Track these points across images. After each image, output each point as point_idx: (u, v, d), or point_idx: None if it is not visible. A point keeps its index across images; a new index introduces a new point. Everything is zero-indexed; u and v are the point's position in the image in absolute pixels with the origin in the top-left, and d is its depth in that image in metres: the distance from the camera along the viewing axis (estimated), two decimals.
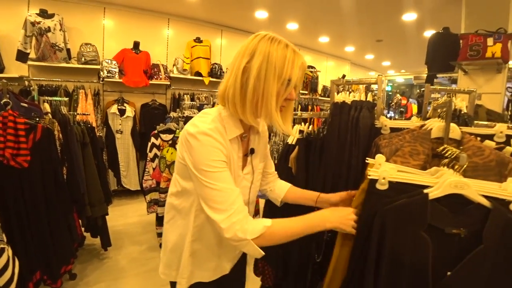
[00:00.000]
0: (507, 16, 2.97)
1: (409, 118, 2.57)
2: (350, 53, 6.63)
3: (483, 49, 2.85)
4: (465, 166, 0.87)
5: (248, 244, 0.73)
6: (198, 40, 4.33)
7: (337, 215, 0.81)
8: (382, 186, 0.83)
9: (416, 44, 4.89)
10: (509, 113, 3.13)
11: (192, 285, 0.88)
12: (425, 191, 0.77)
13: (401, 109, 7.25)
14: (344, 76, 6.84)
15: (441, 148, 0.97)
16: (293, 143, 1.31)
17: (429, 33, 3.90)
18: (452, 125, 1.04)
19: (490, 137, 1.10)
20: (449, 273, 0.73)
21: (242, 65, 0.75)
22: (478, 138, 1.04)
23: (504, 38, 2.74)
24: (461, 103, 1.53)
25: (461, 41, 3.00)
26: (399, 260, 0.76)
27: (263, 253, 0.75)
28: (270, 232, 0.75)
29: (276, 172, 1.08)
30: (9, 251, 0.86)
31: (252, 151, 0.89)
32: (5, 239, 0.85)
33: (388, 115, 6.81)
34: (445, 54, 3.37)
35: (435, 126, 1.05)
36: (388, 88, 9.84)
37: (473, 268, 0.71)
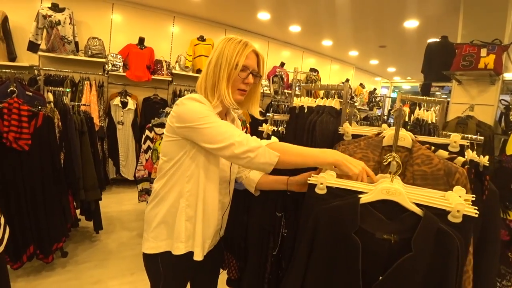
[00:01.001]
0: (504, 27, 2.96)
1: None
2: (354, 57, 6.66)
3: (476, 60, 2.81)
4: (398, 173, 0.95)
5: (266, 151, 0.84)
6: (201, 38, 4.46)
7: (349, 157, 0.87)
8: (320, 190, 0.87)
9: (420, 51, 4.89)
10: (503, 126, 3.13)
11: (182, 255, 0.96)
12: (360, 196, 0.81)
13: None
14: (347, 80, 6.87)
15: (386, 155, 1.05)
16: None
17: (432, 41, 3.93)
18: (405, 133, 1.09)
19: (446, 146, 1.12)
20: (380, 278, 0.74)
21: (208, 61, 0.98)
22: (433, 148, 1.08)
23: (498, 49, 2.69)
24: (426, 113, 1.61)
25: (456, 51, 3.02)
26: (330, 259, 0.79)
27: (276, 161, 0.84)
28: (283, 145, 0.88)
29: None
30: (1, 219, 1.01)
31: None
32: None
33: (389, 121, 6.83)
34: (441, 63, 3.38)
35: (387, 134, 1.13)
36: (394, 95, 9.80)
37: (403, 274, 0.71)
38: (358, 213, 0.77)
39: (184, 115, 0.88)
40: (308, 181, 0.86)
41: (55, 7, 3.48)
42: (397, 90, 9.94)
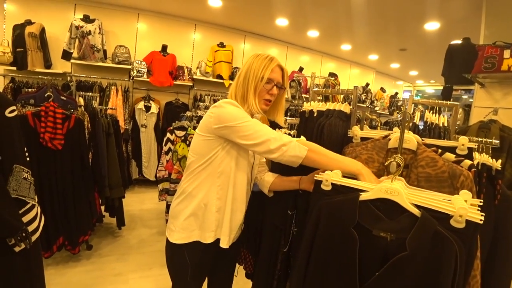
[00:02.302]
0: None
1: None
2: (374, 61, 6.57)
3: (499, 62, 2.71)
4: (398, 173, 0.98)
5: (296, 145, 0.95)
6: (221, 45, 4.61)
7: (371, 174, 0.94)
8: (325, 187, 0.93)
9: (442, 54, 4.77)
10: None
11: (210, 243, 1.08)
12: (360, 193, 0.85)
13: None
14: (367, 84, 6.78)
15: (390, 157, 1.08)
16: None
17: (454, 43, 3.82)
18: (410, 136, 1.12)
19: (453, 149, 1.11)
20: (377, 273, 0.76)
21: (238, 73, 1.13)
22: (439, 150, 1.10)
23: None
24: (436, 116, 1.60)
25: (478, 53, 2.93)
26: (329, 250, 0.83)
27: (305, 154, 0.95)
28: (312, 144, 0.98)
29: (266, 166, 1.29)
30: (38, 208, 1.14)
31: None
32: (36, 199, 1.12)
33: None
34: (463, 65, 3.28)
35: (393, 137, 1.16)
36: (417, 99, 9.47)
37: (396, 273, 0.73)
38: (357, 209, 0.81)
39: (223, 116, 0.99)
40: (315, 178, 0.92)
41: (86, 19, 3.76)
42: (420, 94, 9.63)
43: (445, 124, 1.61)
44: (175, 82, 4.24)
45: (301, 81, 3.92)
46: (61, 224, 2.00)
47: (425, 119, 1.57)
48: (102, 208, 2.60)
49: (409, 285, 0.72)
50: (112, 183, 2.41)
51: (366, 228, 0.80)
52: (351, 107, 1.43)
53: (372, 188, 0.87)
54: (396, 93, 7.45)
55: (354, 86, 1.45)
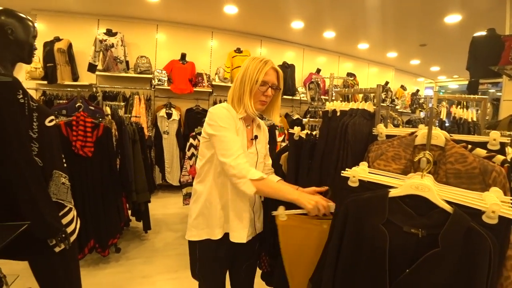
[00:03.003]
0: None
1: None
2: (393, 59, 6.43)
3: None
4: (428, 169, 0.96)
5: (247, 183, 1.02)
6: (238, 50, 4.68)
7: (306, 196, 1.04)
8: (353, 183, 0.93)
9: (465, 47, 4.59)
10: None
11: (221, 239, 1.14)
12: (389, 190, 0.84)
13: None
14: (387, 83, 6.63)
15: (419, 154, 1.06)
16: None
17: (478, 35, 3.67)
18: (437, 132, 1.10)
19: (484, 144, 1.08)
20: (407, 270, 0.75)
21: (236, 76, 1.18)
22: (469, 146, 1.07)
23: None
24: (464, 111, 1.55)
25: (505, 44, 2.80)
26: (358, 248, 0.82)
27: (254, 190, 1.03)
28: (264, 182, 1.05)
29: (272, 168, 1.33)
30: (74, 212, 1.20)
31: (256, 137, 1.22)
32: (73, 203, 1.19)
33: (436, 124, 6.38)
34: (489, 58, 3.15)
35: (420, 133, 1.14)
36: (443, 94, 9.13)
37: (428, 269, 0.72)
38: (386, 205, 0.81)
39: (211, 120, 1.08)
40: (342, 174, 0.93)
41: (109, 32, 3.94)
42: (443, 90, 9.29)
43: (474, 119, 1.55)
44: (195, 89, 4.34)
45: (319, 82, 3.90)
46: (91, 227, 2.10)
47: (453, 115, 1.52)
48: (129, 212, 2.69)
49: (441, 282, 0.71)
50: (138, 188, 2.50)
51: (396, 224, 0.79)
52: (374, 106, 1.42)
53: (401, 184, 0.86)
54: (418, 91, 7.23)
55: (377, 85, 1.43)
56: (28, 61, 1.12)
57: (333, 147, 1.18)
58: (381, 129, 1.33)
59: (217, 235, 1.14)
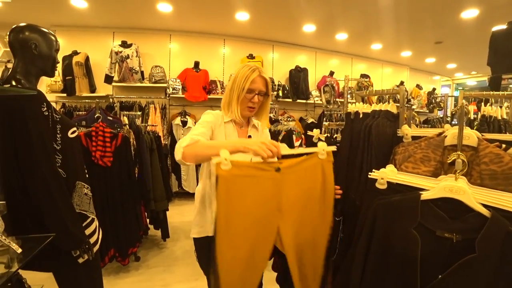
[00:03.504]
0: None
1: None
2: (407, 58, 6.28)
3: None
4: (463, 171, 0.91)
5: (178, 151, 0.98)
6: (250, 56, 4.69)
7: (250, 140, 1.05)
8: (381, 185, 0.90)
9: (484, 42, 4.41)
10: None
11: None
12: (421, 192, 0.80)
13: (474, 116, 6.52)
14: (402, 83, 6.49)
15: (452, 154, 1.01)
16: None
17: (496, 29, 3.54)
18: (469, 131, 1.05)
19: None
20: (440, 276, 0.72)
21: (228, 82, 1.26)
22: (503, 145, 0.99)
23: None
24: (494, 109, 1.48)
25: None
26: (388, 252, 0.79)
27: (181, 155, 0.97)
28: (195, 143, 1.00)
29: None
30: (96, 222, 1.21)
31: (250, 137, 1.25)
32: (95, 213, 1.20)
33: (454, 123, 6.19)
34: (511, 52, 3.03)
35: (450, 133, 1.08)
36: (457, 94, 8.88)
37: (463, 275, 0.69)
38: (418, 208, 0.77)
39: None
40: (369, 176, 0.90)
41: (124, 44, 4.04)
42: (460, 88, 9.02)
43: (504, 117, 1.47)
44: (209, 96, 4.37)
45: (334, 85, 3.84)
46: (111, 236, 2.11)
47: (482, 112, 1.45)
48: (147, 220, 2.71)
49: None
50: (156, 197, 2.51)
51: (429, 229, 0.76)
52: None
53: (433, 186, 0.82)
54: (434, 89, 7.04)
55: (401, 85, 1.39)
56: (51, 75, 1.14)
57: (357, 150, 1.15)
58: (406, 130, 1.29)
59: (210, 232, 1.14)
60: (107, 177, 2.07)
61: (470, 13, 3.80)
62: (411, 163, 1.09)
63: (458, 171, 0.88)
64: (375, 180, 0.93)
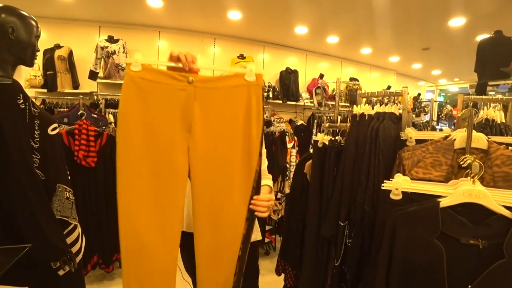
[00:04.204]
0: None
1: None
2: (395, 63, 6.41)
3: None
4: (480, 174, 0.87)
5: None
6: (241, 56, 4.62)
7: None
8: (395, 196, 0.85)
9: (468, 50, 4.55)
10: None
11: None
12: (439, 199, 0.77)
13: (455, 120, 6.71)
14: (389, 87, 6.59)
15: (462, 158, 0.97)
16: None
17: (481, 37, 3.66)
18: (478, 134, 1.02)
19: None
20: (470, 286, 0.69)
21: None
22: (510, 148, 1.00)
23: None
24: (495, 113, 1.47)
25: None
26: (411, 266, 0.75)
27: None
28: None
29: (265, 173, 1.09)
30: (79, 229, 1.09)
31: None
32: (77, 219, 1.08)
33: (438, 127, 6.34)
34: (497, 59, 3.14)
35: (459, 136, 1.05)
36: (441, 99, 9.16)
37: (495, 282, 0.67)
38: (439, 217, 0.74)
39: None
40: (382, 187, 0.85)
41: (110, 39, 3.86)
42: (443, 94, 9.32)
43: (503, 120, 1.47)
44: None
45: (325, 87, 3.83)
46: (95, 242, 1.97)
47: (485, 116, 1.45)
48: None
49: None
50: None
51: (452, 237, 0.73)
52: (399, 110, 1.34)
53: (450, 192, 0.79)
54: (419, 94, 7.20)
55: (403, 87, 1.36)
56: (30, 64, 1.02)
57: (364, 153, 1.09)
58: (410, 133, 1.25)
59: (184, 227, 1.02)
60: (90, 179, 1.94)
61: (457, 22, 3.90)
62: (422, 168, 1.05)
63: (473, 174, 0.86)
64: (388, 191, 0.88)
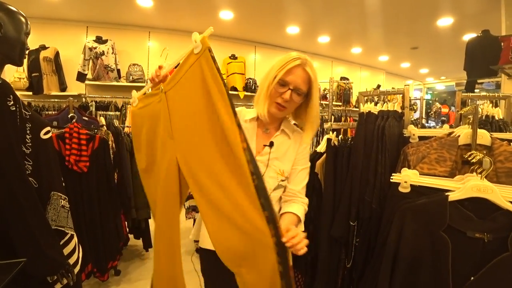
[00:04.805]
0: None
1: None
2: (384, 62, 6.49)
3: None
4: (489, 170, 0.87)
5: None
6: (233, 57, 4.57)
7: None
8: (404, 189, 0.88)
9: (455, 49, 4.67)
10: None
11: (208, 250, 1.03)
12: (447, 193, 0.78)
13: (443, 118, 6.86)
14: (379, 86, 6.67)
15: (468, 154, 0.98)
16: (321, 151, 1.38)
17: (468, 37, 3.74)
18: (482, 131, 1.04)
19: None
20: (472, 278, 0.72)
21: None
22: None
23: None
24: (493, 109, 1.49)
25: (502, 44, 2.85)
26: (417, 257, 0.77)
27: None
28: None
29: (298, 196, 0.97)
30: (75, 238, 1.03)
31: (272, 144, 0.97)
32: (73, 228, 1.02)
33: (427, 125, 6.47)
34: (486, 58, 3.21)
35: (463, 133, 1.06)
36: (428, 97, 9.36)
37: (498, 275, 0.69)
38: (447, 210, 0.75)
39: None
40: (391, 180, 0.86)
41: (99, 40, 3.76)
42: (430, 92, 9.52)
43: (500, 117, 1.49)
44: None
45: (319, 87, 3.83)
46: (89, 250, 1.89)
47: (486, 113, 1.46)
48: (127, 230, 2.49)
49: None
50: (138, 204, 2.31)
51: (458, 230, 0.75)
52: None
53: (459, 187, 0.80)
54: (379, 86, 7.34)
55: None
56: (19, 63, 0.95)
57: (371, 152, 1.08)
58: (414, 131, 1.26)
59: (207, 245, 1.05)
60: (82, 184, 1.85)
61: (445, 21, 3.98)
62: (426, 164, 1.06)
63: (482, 170, 0.88)
64: (397, 184, 0.89)
